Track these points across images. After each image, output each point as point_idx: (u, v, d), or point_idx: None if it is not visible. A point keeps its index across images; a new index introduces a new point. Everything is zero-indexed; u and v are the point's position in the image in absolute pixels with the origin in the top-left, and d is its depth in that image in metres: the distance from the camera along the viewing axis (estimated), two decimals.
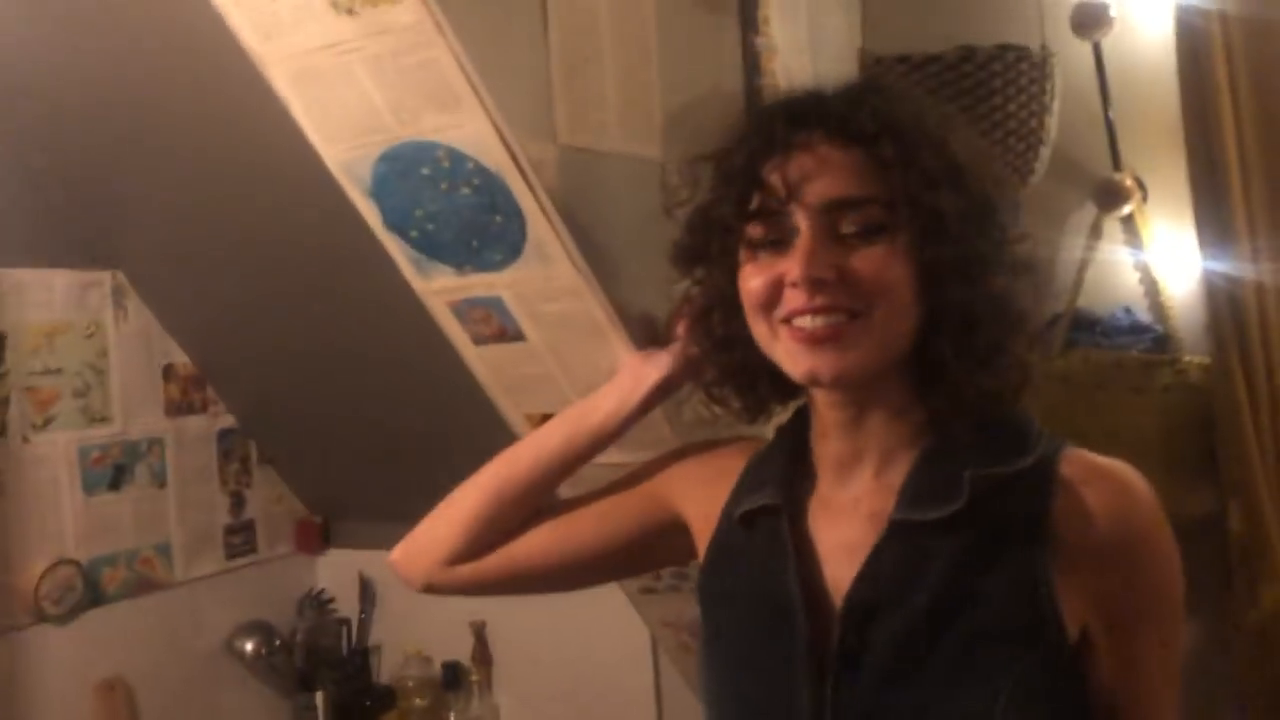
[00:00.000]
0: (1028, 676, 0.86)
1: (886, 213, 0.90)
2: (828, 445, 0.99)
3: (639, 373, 1.18)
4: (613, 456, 1.52)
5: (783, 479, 0.99)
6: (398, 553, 1.23)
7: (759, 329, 0.95)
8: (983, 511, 0.89)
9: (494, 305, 1.46)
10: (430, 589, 1.22)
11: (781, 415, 1.08)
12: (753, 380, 1.02)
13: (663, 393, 1.17)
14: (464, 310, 1.49)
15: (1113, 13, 1.72)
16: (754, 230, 0.93)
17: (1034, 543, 0.88)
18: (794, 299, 0.91)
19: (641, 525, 1.14)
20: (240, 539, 2.35)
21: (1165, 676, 0.93)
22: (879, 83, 1.10)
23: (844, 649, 0.90)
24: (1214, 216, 1.62)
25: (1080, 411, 1.68)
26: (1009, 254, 0.94)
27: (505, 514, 1.17)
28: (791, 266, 0.90)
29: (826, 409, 0.97)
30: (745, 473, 1.06)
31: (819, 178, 0.90)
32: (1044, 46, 1.68)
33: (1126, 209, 1.79)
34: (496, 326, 1.49)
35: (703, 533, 1.08)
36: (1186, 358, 1.74)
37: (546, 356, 1.50)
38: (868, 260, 0.90)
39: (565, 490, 1.24)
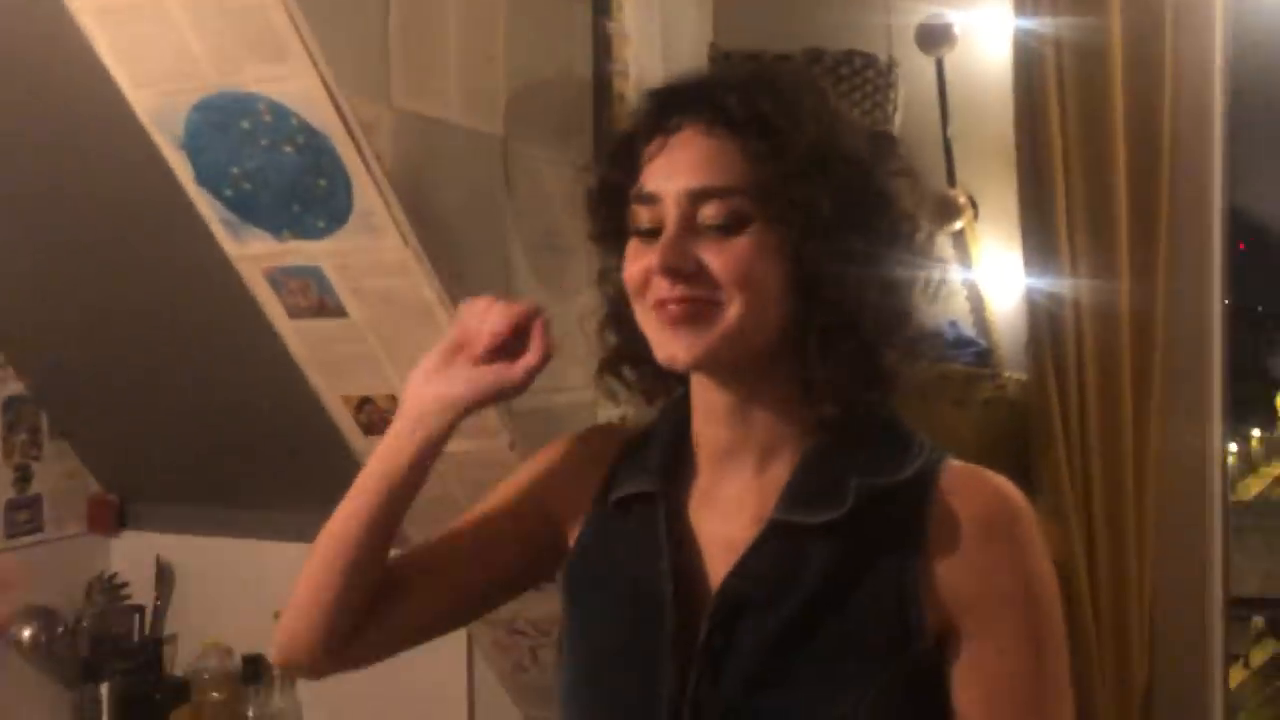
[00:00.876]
0: (890, 687, 0.86)
1: (753, 204, 0.88)
2: (709, 432, 0.96)
3: (441, 396, 1.05)
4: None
5: (661, 465, 0.97)
6: (277, 655, 1.10)
7: (638, 312, 0.94)
8: (862, 519, 0.89)
9: (313, 276, 1.39)
10: (333, 673, 1.09)
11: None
12: (647, 360, 0.97)
13: (466, 413, 1.06)
14: (280, 280, 1.41)
15: (956, 31, 1.76)
16: (636, 215, 0.92)
17: (907, 551, 0.88)
18: (657, 287, 0.90)
19: (525, 542, 1.07)
20: (25, 515, 2.17)
21: (1018, 700, 0.90)
22: (768, 72, 1.08)
23: (710, 645, 0.89)
24: (1039, 236, 1.67)
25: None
26: (889, 257, 0.91)
27: (355, 579, 1.04)
28: (654, 256, 0.89)
29: (706, 392, 0.95)
30: (622, 458, 1.03)
31: (684, 165, 0.89)
32: (890, 56, 1.70)
33: (957, 225, 1.84)
34: (315, 299, 1.42)
35: (573, 521, 1.05)
36: (1007, 373, 1.80)
37: (368, 335, 1.43)
38: (726, 252, 0.88)
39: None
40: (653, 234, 0.90)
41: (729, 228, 0.88)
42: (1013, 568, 0.90)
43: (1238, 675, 2.59)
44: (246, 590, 2.23)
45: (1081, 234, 1.65)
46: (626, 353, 1.01)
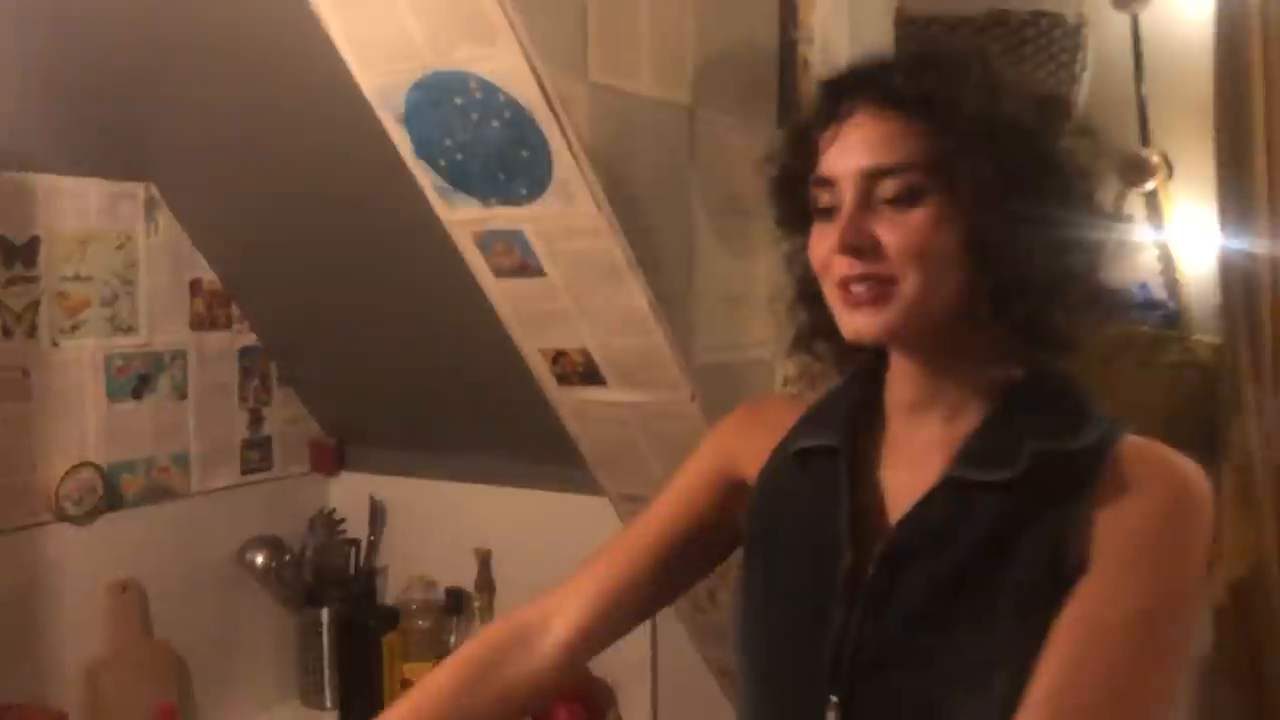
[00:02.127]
0: (1037, 631, 0.89)
1: (925, 179, 0.92)
2: (901, 389, 1.02)
3: None
4: (617, 394, 1.56)
5: (845, 422, 1.03)
6: None
7: (825, 290, 0.99)
8: (1032, 481, 0.92)
9: (516, 239, 1.50)
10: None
11: None
12: (836, 334, 1.02)
13: None
14: (487, 242, 1.52)
15: None
16: (816, 198, 0.97)
17: (1070, 513, 0.91)
18: (839, 266, 0.95)
19: (716, 505, 1.15)
20: (256, 455, 2.39)
21: (1100, 650, 0.87)
22: (935, 49, 1.09)
23: (875, 586, 0.94)
24: (1237, 197, 1.63)
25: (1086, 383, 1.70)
26: (1062, 218, 0.94)
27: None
28: (835, 235, 0.94)
29: (898, 357, 1.01)
30: (804, 415, 1.09)
31: (857, 147, 0.94)
32: (1079, 15, 1.68)
33: (1150, 185, 1.80)
34: (518, 260, 1.52)
35: (748, 472, 1.11)
36: (1195, 336, 1.76)
37: (564, 293, 1.53)
38: (901, 227, 0.92)
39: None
40: (833, 215, 0.95)
41: (903, 203, 0.92)
42: (1161, 526, 0.90)
43: None
44: (449, 528, 2.36)
45: None
46: (818, 328, 1.06)
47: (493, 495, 2.32)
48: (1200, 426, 1.72)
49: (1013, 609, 0.89)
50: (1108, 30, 1.78)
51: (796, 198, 1.01)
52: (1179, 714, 0.92)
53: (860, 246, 0.92)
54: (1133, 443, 0.94)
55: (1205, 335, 1.76)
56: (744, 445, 1.14)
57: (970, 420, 0.97)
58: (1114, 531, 0.90)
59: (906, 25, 1.65)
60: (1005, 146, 0.92)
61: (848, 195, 0.94)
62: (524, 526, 2.29)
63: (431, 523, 2.40)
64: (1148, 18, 1.75)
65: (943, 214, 0.92)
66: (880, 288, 0.93)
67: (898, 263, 0.92)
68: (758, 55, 1.70)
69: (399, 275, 1.96)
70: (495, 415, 2.17)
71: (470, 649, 1.17)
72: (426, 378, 2.19)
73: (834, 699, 0.94)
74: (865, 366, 1.07)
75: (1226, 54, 1.62)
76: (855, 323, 0.95)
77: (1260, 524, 1.61)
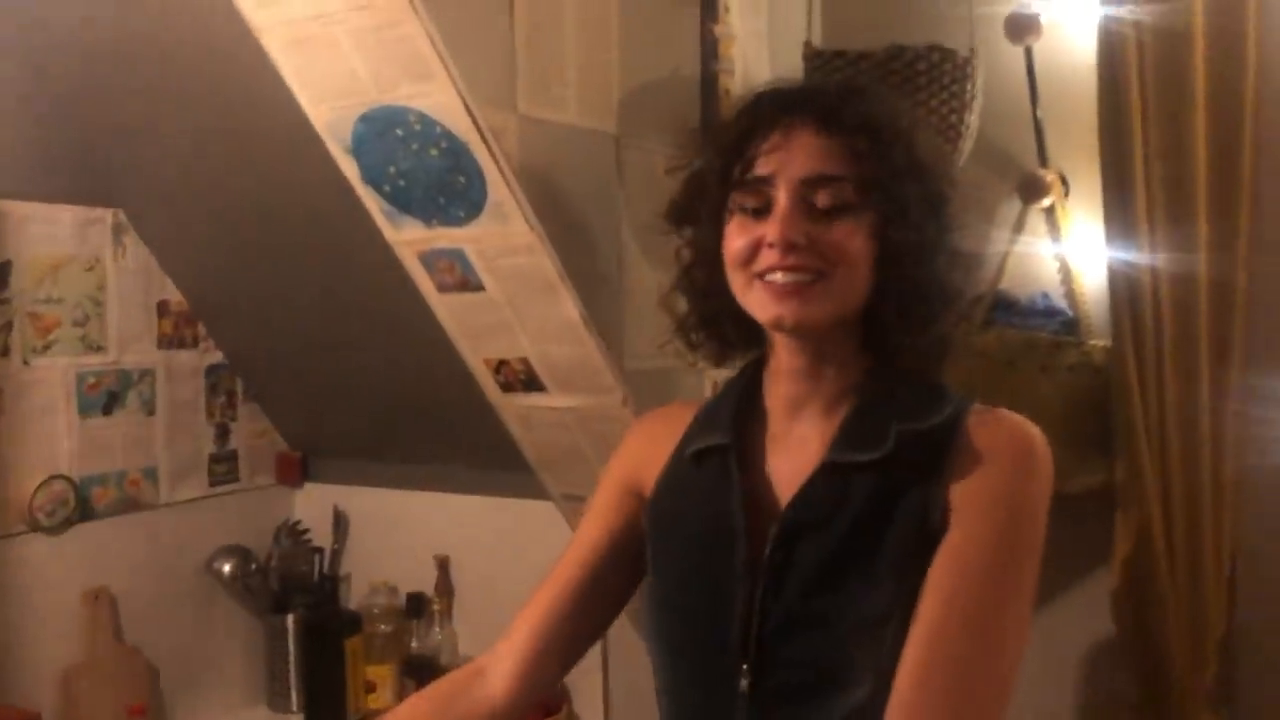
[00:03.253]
0: (916, 584, 1.01)
1: (856, 194, 1.04)
2: (783, 387, 1.13)
3: None
4: (556, 400, 1.68)
5: (732, 422, 1.14)
6: None
7: (736, 281, 1.09)
8: (899, 456, 1.05)
9: (457, 257, 1.62)
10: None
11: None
12: (723, 326, 1.16)
13: None
14: (431, 260, 1.64)
15: (1043, 20, 1.86)
16: (740, 198, 1.08)
17: (933, 478, 1.04)
18: (769, 257, 1.05)
19: (628, 522, 1.23)
20: (224, 468, 2.46)
21: (967, 588, 1.00)
22: (860, 84, 1.25)
23: (773, 562, 1.05)
24: (1120, 211, 1.76)
25: (992, 385, 1.83)
26: (951, 242, 1.10)
27: None
28: (770, 230, 1.04)
29: (788, 354, 1.11)
30: (694, 421, 1.20)
31: (799, 157, 1.05)
32: (971, 50, 1.82)
33: (1048, 202, 1.94)
34: (459, 277, 1.64)
35: (652, 478, 1.21)
36: (1092, 341, 1.89)
37: (504, 306, 1.65)
38: (834, 231, 1.04)
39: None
40: (756, 213, 1.06)
41: (834, 211, 1.04)
42: (1008, 480, 1.03)
43: None
44: (410, 535, 2.42)
45: (1160, 207, 1.74)
46: (703, 320, 1.18)
47: (449, 502, 2.40)
48: (1097, 422, 1.85)
49: (893, 569, 1.01)
50: (1005, 60, 1.92)
51: (711, 194, 1.10)
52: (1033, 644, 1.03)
53: (796, 243, 1.03)
54: (979, 411, 1.08)
55: (1101, 340, 1.89)
56: (644, 458, 1.24)
57: (842, 411, 1.10)
58: (968, 490, 1.02)
59: (813, 58, 1.79)
60: (922, 175, 1.07)
61: (783, 197, 1.04)
62: (479, 532, 2.37)
63: (392, 531, 2.49)
64: (1040, 48, 1.89)
65: (861, 226, 1.05)
66: (808, 282, 1.04)
67: (827, 260, 1.04)
68: (680, 86, 1.83)
69: (356, 295, 2.05)
70: (449, 426, 2.26)
71: (431, 686, 1.29)
72: (384, 391, 2.27)
73: (744, 666, 1.05)
74: (745, 370, 1.19)
75: (1108, 77, 1.76)
76: (779, 309, 1.05)
77: (1147, 508, 1.74)
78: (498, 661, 1.25)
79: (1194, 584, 1.75)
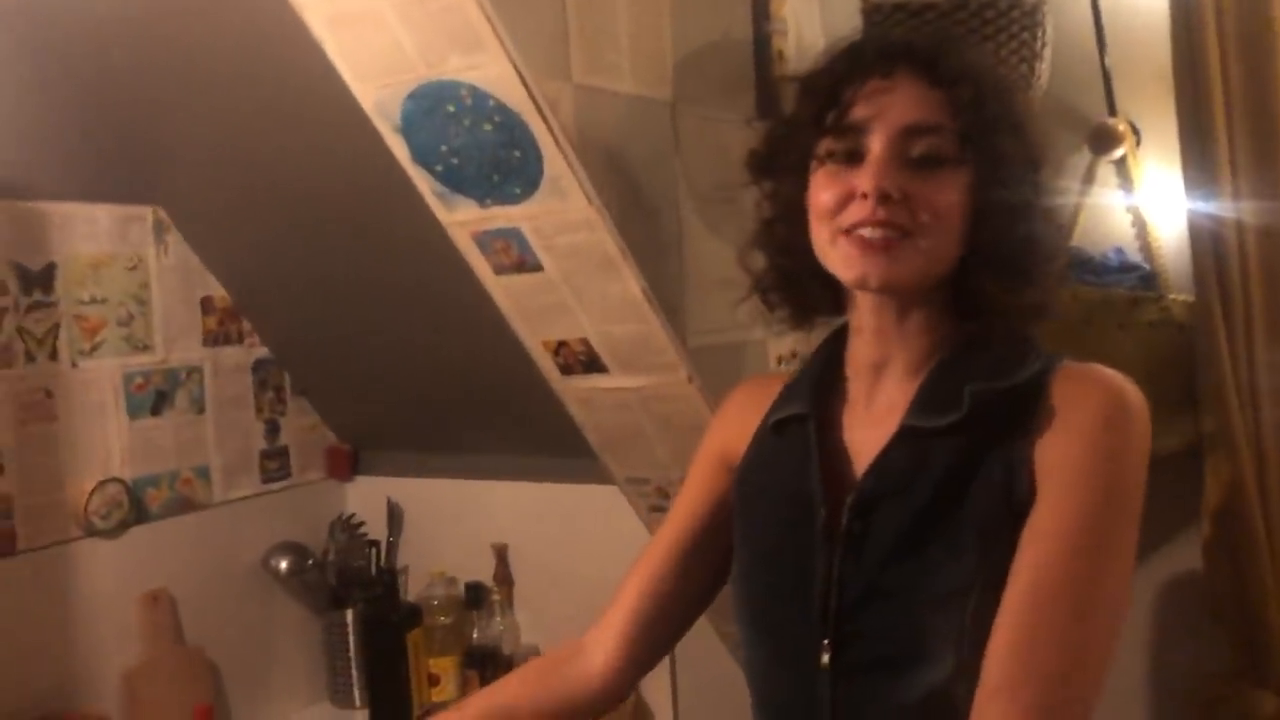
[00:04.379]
0: (1001, 555, 0.97)
1: (955, 146, 1.00)
2: (862, 350, 1.09)
3: None
4: (618, 380, 1.63)
5: (813, 391, 1.11)
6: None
7: (820, 235, 1.04)
8: (979, 419, 1.00)
9: (513, 236, 1.57)
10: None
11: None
12: (805, 285, 1.12)
13: None
14: (486, 241, 1.59)
15: None
16: (829, 145, 1.03)
17: (1017, 441, 0.98)
18: (860, 210, 1.00)
19: (723, 498, 1.20)
20: (275, 464, 2.46)
21: (1059, 563, 0.94)
22: (956, 37, 1.23)
23: (849, 532, 1.01)
24: (1200, 160, 1.68)
25: (1069, 345, 1.76)
26: (1047, 202, 1.06)
27: None
28: (864, 179, 0.99)
29: (869, 313, 1.07)
30: (781, 390, 1.17)
31: (900, 104, 1.00)
32: None
33: (1119, 153, 1.87)
34: (516, 257, 1.59)
35: (743, 449, 1.19)
36: (1171, 295, 1.82)
37: (562, 286, 1.60)
38: (930, 185, 1.00)
39: None
40: (847, 160, 1.01)
41: (932, 164, 1.00)
42: (1099, 442, 0.96)
43: None
44: (465, 525, 2.43)
45: (1243, 155, 1.66)
46: (786, 274, 1.12)
47: (505, 490, 2.39)
48: (1181, 380, 1.78)
49: (974, 539, 0.97)
50: (1071, 6, 1.85)
51: (799, 141, 1.06)
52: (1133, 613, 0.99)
53: (890, 194, 0.98)
54: (1067, 368, 1.03)
55: (1180, 294, 1.81)
56: (735, 431, 1.21)
57: (925, 374, 1.06)
58: (1057, 454, 0.97)
59: (872, 12, 1.72)
60: (1021, 134, 1.03)
61: (879, 145, 0.99)
62: (537, 519, 2.36)
63: (447, 521, 2.47)
64: None
65: (958, 180, 1.00)
66: (897, 238, 0.99)
67: (920, 216, 0.99)
68: (733, 49, 1.77)
69: (402, 281, 2.03)
70: (502, 411, 2.24)
71: (529, 662, 1.28)
72: (434, 380, 2.25)
73: (824, 641, 1.02)
74: (830, 337, 1.15)
75: (1182, 22, 1.68)
76: (865, 267, 1.00)
77: (1239, 460, 1.67)
78: (598, 639, 1.23)
79: None
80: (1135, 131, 1.87)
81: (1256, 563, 1.65)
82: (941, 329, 1.06)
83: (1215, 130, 1.66)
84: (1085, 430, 0.97)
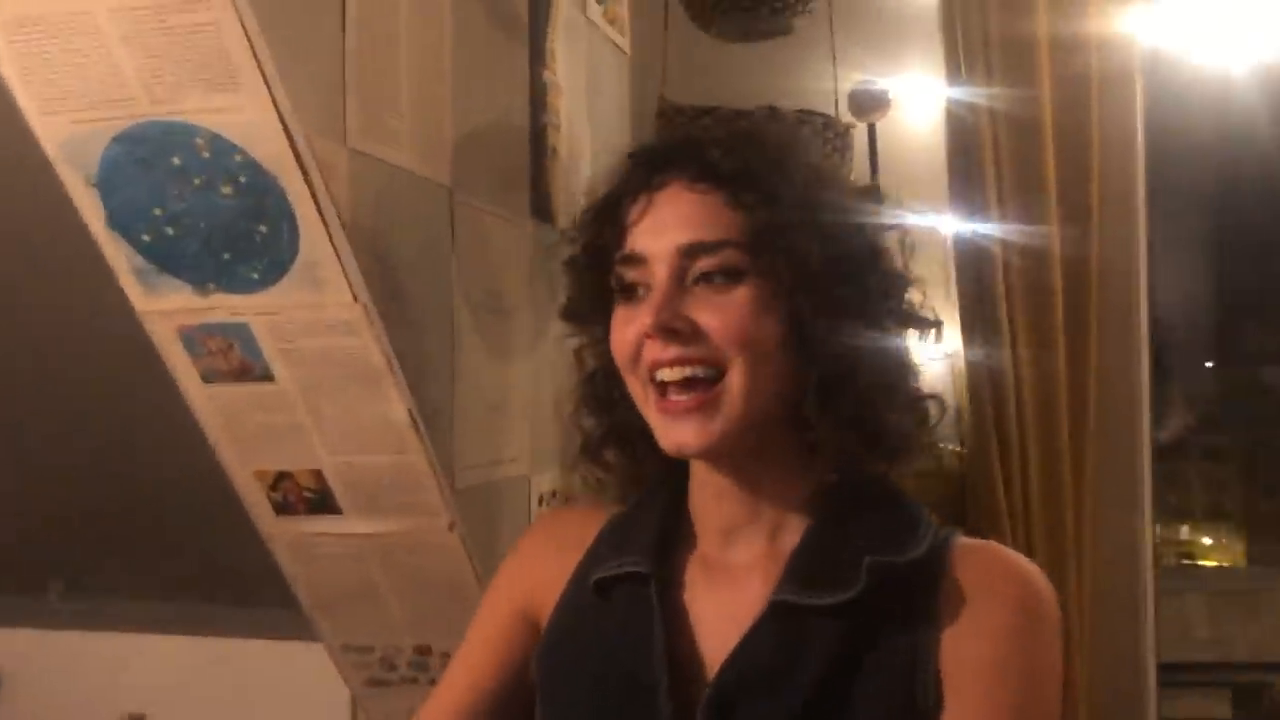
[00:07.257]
0: None
1: (746, 257, 0.85)
2: (714, 508, 0.91)
3: None
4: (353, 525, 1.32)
5: (651, 543, 0.91)
6: None
7: (633, 387, 0.89)
8: (870, 600, 0.83)
9: (238, 334, 1.22)
10: None
11: None
12: (633, 442, 0.93)
13: None
14: (197, 339, 1.23)
15: (890, 96, 1.76)
16: (617, 278, 0.88)
17: (918, 631, 0.83)
18: (651, 350, 0.85)
19: (521, 654, 0.97)
20: None
21: None
22: (751, 130, 1.04)
23: None
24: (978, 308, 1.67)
25: None
26: (889, 306, 0.88)
27: None
28: (644, 314, 0.85)
29: (712, 473, 0.89)
30: (600, 536, 0.95)
31: (672, 221, 0.86)
32: (837, 118, 1.68)
33: None
34: (237, 362, 1.24)
35: (549, 603, 0.95)
36: (941, 445, 1.78)
37: (298, 402, 1.26)
38: (720, 308, 0.84)
39: None
40: (641, 296, 0.86)
41: (722, 283, 0.84)
42: (1012, 640, 0.83)
43: None
44: (90, 693, 2.01)
45: (1018, 300, 1.66)
46: (613, 434, 0.94)
47: (150, 645, 1.98)
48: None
49: None
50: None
51: (594, 281, 0.91)
52: None
53: (676, 328, 0.84)
54: (967, 546, 0.87)
55: (948, 444, 1.78)
56: (539, 579, 0.97)
57: (792, 533, 0.88)
58: (964, 657, 0.83)
59: (673, 114, 1.56)
60: (828, 228, 0.86)
61: (660, 273, 0.85)
62: (189, 683, 1.95)
63: (66, 686, 2.01)
64: (884, 126, 1.79)
65: (763, 297, 0.85)
66: (704, 393, 0.84)
67: (719, 347, 0.84)
68: (512, 138, 1.53)
69: (72, 370, 1.59)
70: (144, 543, 1.87)
71: None
72: (85, 501, 1.83)
73: None
74: (664, 476, 0.95)
75: (959, 160, 1.68)
76: (679, 435, 0.85)
77: None
78: None
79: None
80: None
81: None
82: (801, 482, 0.89)
83: (994, 280, 1.64)
84: (998, 635, 0.83)
